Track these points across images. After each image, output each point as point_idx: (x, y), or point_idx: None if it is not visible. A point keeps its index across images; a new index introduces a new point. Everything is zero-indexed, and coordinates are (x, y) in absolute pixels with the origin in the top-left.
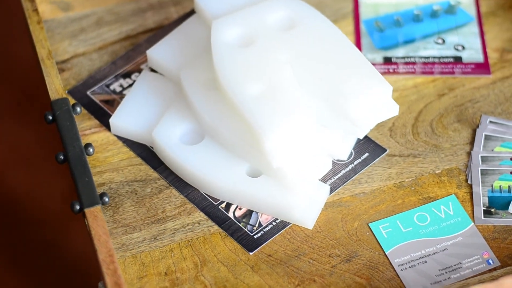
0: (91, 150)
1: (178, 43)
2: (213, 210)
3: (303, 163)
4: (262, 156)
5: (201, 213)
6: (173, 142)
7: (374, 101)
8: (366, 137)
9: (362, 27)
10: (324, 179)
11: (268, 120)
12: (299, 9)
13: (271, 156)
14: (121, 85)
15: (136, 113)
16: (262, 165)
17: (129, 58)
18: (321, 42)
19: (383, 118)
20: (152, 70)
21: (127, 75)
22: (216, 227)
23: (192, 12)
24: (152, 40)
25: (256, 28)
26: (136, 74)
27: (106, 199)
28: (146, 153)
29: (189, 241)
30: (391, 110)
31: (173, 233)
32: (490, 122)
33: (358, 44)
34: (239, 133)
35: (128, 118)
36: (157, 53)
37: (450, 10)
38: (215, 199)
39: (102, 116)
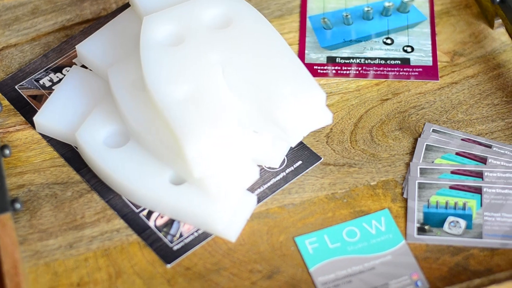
0: (7, 152)
1: (110, 38)
2: (134, 217)
3: (228, 173)
4: (185, 164)
5: (121, 221)
6: (97, 143)
7: (305, 109)
8: (301, 143)
9: (308, 23)
10: (252, 188)
11: (192, 127)
12: (236, 6)
13: (192, 165)
14: (51, 80)
15: (62, 111)
16: (185, 173)
17: (62, 51)
18: (255, 43)
19: (316, 126)
20: (84, 65)
21: (58, 69)
22: (135, 236)
23: (129, 4)
24: (87, 32)
25: (189, 25)
26: (68, 68)
27: (18, 206)
28: (70, 154)
29: (105, 250)
30: (324, 119)
31: (90, 241)
32: (434, 131)
33: (302, 42)
34: (164, 138)
35: (53, 116)
36: (87, 48)
37: (403, 8)
38: (137, 206)
39: (28, 113)
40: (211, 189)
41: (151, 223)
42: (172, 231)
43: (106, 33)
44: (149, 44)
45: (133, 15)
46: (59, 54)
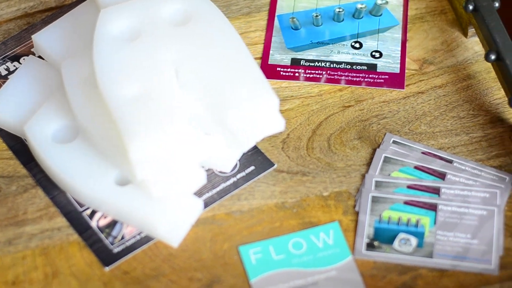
0: None
1: (68, 29)
2: (77, 216)
3: (173, 176)
4: (129, 165)
5: (64, 219)
6: (45, 138)
7: (257, 114)
8: (255, 148)
9: (276, 22)
10: (200, 192)
11: (138, 127)
12: (196, 3)
13: (136, 167)
14: (7, 69)
15: (14, 102)
16: (130, 174)
17: (21, 39)
18: (212, 43)
19: (267, 133)
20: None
21: (16, 58)
22: (76, 235)
23: None
24: (49, 21)
25: (147, 21)
26: (26, 58)
27: None
28: (20, 147)
29: (44, 249)
30: (277, 126)
31: (30, 238)
32: (394, 142)
33: (267, 41)
34: (111, 137)
35: (3, 107)
36: (43, 38)
37: (375, 10)
38: (82, 205)
39: None
40: (154, 191)
41: (93, 223)
42: (114, 233)
43: (64, 24)
44: (103, 39)
45: (94, 6)
46: (18, 42)
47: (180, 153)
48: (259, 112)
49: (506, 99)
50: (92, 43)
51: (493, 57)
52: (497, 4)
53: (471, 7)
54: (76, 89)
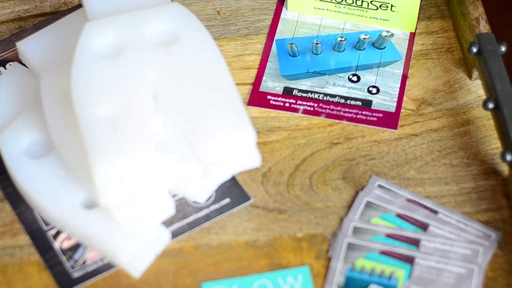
0: None
1: (54, 39)
2: (41, 235)
3: (140, 203)
4: (94, 188)
5: (27, 237)
6: (16, 151)
7: (231, 147)
8: (233, 179)
9: (274, 47)
10: (170, 222)
11: (105, 150)
12: (184, 23)
13: (100, 190)
14: None
15: None
16: (96, 198)
17: (10, 43)
18: (195, 68)
19: (242, 168)
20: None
21: (2, 63)
22: (37, 255)
23: None
24: (40, 27)
25: (131, 38)
26: (12, 63)
27: None
28: None
29: (4, 267)
30: (252, 161)
31: None
32: (379, 186)
33: (262, 67)
34: (80, 157)
35: None
36: (27, 46)
37: (379, 43)
38: (48, 223)
39: None
40: (118, 218)
41: (56, 244)
42: (76, 256)
43: (51, 33)
44: (84, 54)
45: (82, 17)
46: (6, 46)
47: (148, 180)
48: (234, 145)
49: (500, 143)
50: (73, 56)
51: (491, 105)
52: (503, 49)
53: (474, 50)
54: (52, 103)
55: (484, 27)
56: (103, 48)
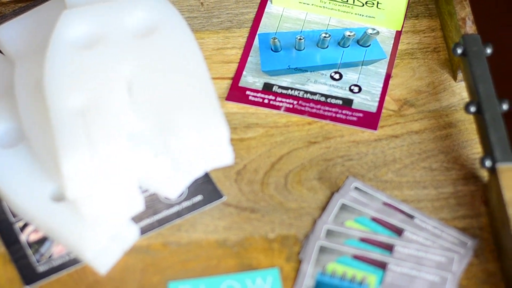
0: None
1: (31, 26)
2: (8, 227)
3: (108, 198)
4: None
5: None
6: None
7: (204, 144)
8: (206, 176)
9: (256, 41)
10: (140, 218)
11: (73, 141)
12: (163, 14)
13: (67, 184)
14: None
15: None
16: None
17: None
18: (171, 61)
19: (214, 165)
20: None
21: None
22: (3, 248)
23: None
24: (19, 13)
25: (108, 28)
26: None
27: None
28: None
29: None
30: (225, 158)
31: None
32: (355, 188)
33: (243, 62)
34: (50, 148)
35: None
36: (3, 32)
37: (364, 40)
38: (16, 215)
39: None
40: (85, 212)
41: (23, 237)
42: (42, 249)
43: (28, 20)
44: (59, 44)
45: (63, 4)
46: None
47: (118, 174)
48: (206, 141)
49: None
50: (47, 45)
51: (472, 109)
52: (489, 51)
53: (459, 51)
54: (26, 91)
55: (470, 27)
56: (79, 37)
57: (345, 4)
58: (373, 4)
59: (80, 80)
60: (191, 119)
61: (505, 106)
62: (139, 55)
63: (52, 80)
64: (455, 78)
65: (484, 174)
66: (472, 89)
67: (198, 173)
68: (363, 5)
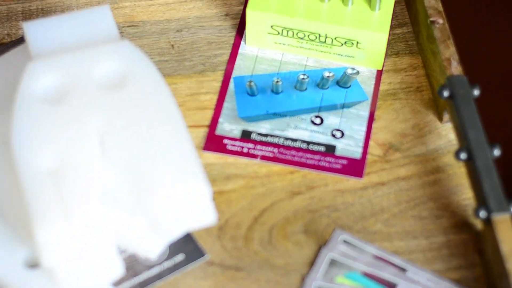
0: None
1: None
2: None
3: (88, 264)
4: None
5: None
6: None
7: (182, 203)
8: (187, 233)
9: (231, 85)
10: (119, 281)
11: (48, 208)
12: (134, 64)
13: (43, 252)
14: None
15: None
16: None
17: None
18: (144, 114)
19: (195, 225)
20: None
21: None
22: None
23: None
24: None
25: (77, 80)
26: None
27: None
28: None
29: None
30: (207, 218)
31: None
32: (343, 241)
33: (218, 108)
34: (22, 213)
35: None
36: None
37: (344, 81)
38: None
39: None
40: (62, 279)
41: None
42: None
43: None
44: (26, 98)
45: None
46: None
47: (94, 238)
48: (185, 201)
49: (476, 200)
50: (14, 100)
51: (463, 156)
52: (476, 93)
53: (446, 94)
54: None
55: (455, 68)
56: (47, 91)
57: (323, 44)
58: (352, 44)
59: (50, 139)
60: (168, 176)
61: (496, 152)
62: (110, 108)
63: (21, 139)
64: (440, 119)
65: (477, 221)
66: (461, 135)
67: (178, 233)
68: (342, 44)
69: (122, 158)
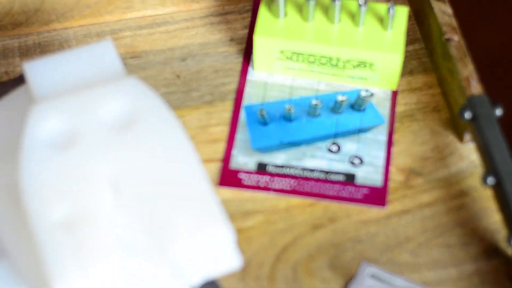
0: None
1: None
2: None
3: None
4: None
5: None
6: None
7: (205, 250)
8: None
9: (242, 115)
10: None
11: (64, 262)
12: (142, 102)
13: None
14: None
15: None
16: None
17: None
18: (157, 155)
19: (219, 271)
20: None
21: None
22: None
23: None
24: None
25: (84, 123)
26: None
27: None
28: None
29: None
30: (231, 263)
31: None
32: (370, 274)
33: (230, 140)
34: (34, 261)
35: None
36: None
37: (358, 104)
38: None
39: None
40: None
41: None
42: None
43: None
44: (32, 145)
45: (27, 95)
46: None
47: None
48: (208, 247)
49: (504, 223)
50: (19, 147)
51: (491, 181)
52: (498, 112)
53: (468, 116)
54: (1, 199)
55: (475, 88)
56: (53, 135)
57: (335, 67)
58: (366, 66)
59: (61, 188)
60: (188, 222)
61: None
62: (121, 151)
63: (31, 190)
64: (460, 139)
65: (506, 245)
66: (486, 158)
67: (201, 280)
68: (355, 67)
69: (138, 204)
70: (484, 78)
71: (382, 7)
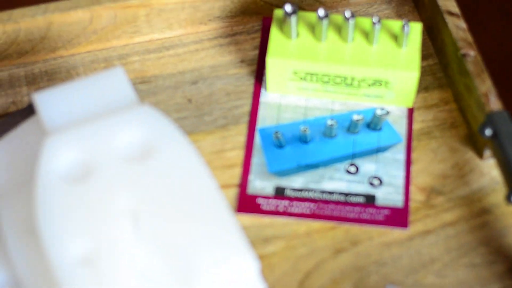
0: None
1: (9, 153)
2: None
3: None
4: None
5: None
6: None
7: (229, 282)
8: None
9: (257, 138)
10: None
11: None
12: (158, 130)
13: None
14: None
15: None
16: None
17: None
18: (176, 185)
19: None
20: None
21: None
22: None
23: None
24: None
25: (99, 153)
26: None
27: None
28: None
29: None
30: None
31: None
32: None
33: (246, 164)
34: None
35: None
36: None
37: (374, 123)
38: None
39: None
40: None
41: None
42: None
43: (6, 145)
44: (47, 178)
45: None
46: None
47: None
48: (233, 279)
49: None
50: (34, 180)
51: None
52: None
53: (488, 133)
54: (17, 234)
55: (494, 104)
56: (68, 168)
57: (349, 86)
58: (381, 84)
59: (80, 223)
60: (212, 255)
61: None
62: (139, 182)
63: (48, 226)
64: (480, 155)
65: None
66: (509, 176)
67: None
68: (370, 86)
69: (159, 236)
70: (501, 93)
71: (395, 24)
